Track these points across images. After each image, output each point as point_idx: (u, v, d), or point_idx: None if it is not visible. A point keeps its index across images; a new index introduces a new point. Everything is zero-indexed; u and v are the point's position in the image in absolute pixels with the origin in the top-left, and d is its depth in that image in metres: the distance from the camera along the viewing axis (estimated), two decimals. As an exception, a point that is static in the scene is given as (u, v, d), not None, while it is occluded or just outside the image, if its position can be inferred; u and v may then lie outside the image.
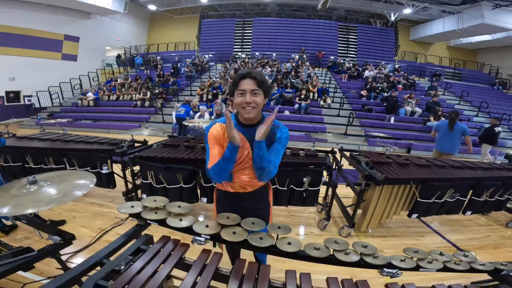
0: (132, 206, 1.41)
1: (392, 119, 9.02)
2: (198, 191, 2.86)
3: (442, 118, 7.52)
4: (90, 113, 10.39)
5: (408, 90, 11.00)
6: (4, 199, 1.32)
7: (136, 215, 1.40)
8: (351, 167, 3.17)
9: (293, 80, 10.62)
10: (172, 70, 12.75)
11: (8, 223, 2.64)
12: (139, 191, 3.11)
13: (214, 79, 10.98)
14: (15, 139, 3.66)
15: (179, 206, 1.42)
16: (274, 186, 2.63)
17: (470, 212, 2.96)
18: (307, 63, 13.44)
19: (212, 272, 1.11)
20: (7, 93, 11.20)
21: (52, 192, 1.40)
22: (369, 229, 2.91)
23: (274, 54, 14.62)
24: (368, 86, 10.65)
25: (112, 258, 1.22)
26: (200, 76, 12.70)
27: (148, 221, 1.40)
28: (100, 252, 1.23)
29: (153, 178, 2.70)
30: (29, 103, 11.65)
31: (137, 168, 2.91)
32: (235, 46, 16.32)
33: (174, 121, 7.21)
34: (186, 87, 11.67)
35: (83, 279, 1.08)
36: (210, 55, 15.33)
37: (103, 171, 3.00)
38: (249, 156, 1.37)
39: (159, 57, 14.80)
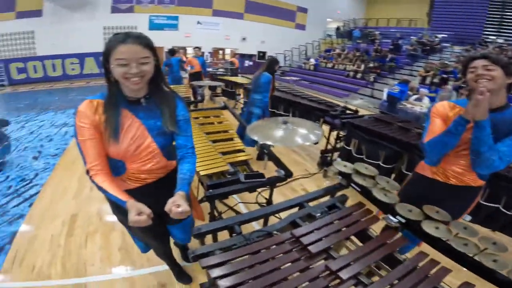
0: (345, 166, 1.53)
1: None
2: (393, 175, 2.70)
3: None
4: (309, 76, 12.04)
5: None
6: (261, 129, 1.62)
7: (344, 175, 1.51)
8: None
9: None
10: (392, 47, 11.72)
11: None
12: (335, 154, 3.39)
13: (448, 62, 9.00)
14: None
15: (387, 182, 1.41)
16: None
17: None
18: None
19: (386, 252, 1.07)
20: (258, 52, 15.00)
21: (281, 133, 1.53)
22: None
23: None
24: None
25: (311, 204, 1.40)
26: (427, 57, 10.83)
27: (351, 185, 1.47)
28: (303, 197, 1.44)
29: (355, 146, 2.82)
30: (269, 61, 15.10)
31: (341, 133, 3.15)
32: (487, 28, 12.19)
33: (384, 97, 6.89)
34: (405, 66, 10.47)
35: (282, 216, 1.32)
36: (444, 35, 12.46)
37: (315, 127, 3.48)
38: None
39: (378, 32, 14.08)
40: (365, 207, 1.38)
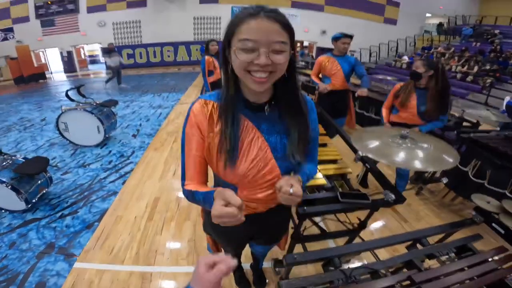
0: (489, 202, 1.20)
1: None
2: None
3: None
4: (400, 75, 10.59)
5: None
6: (369, 138, 1.37)
7: (484, 213, 1.19)
8: None
9: None
10: (517, 48, 9.37)
11: None
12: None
13: None
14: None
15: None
16: None
17: None
18: None
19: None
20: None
21: (402, 155, 1.21)
22: None
23: None
24: None
25: (430, 240, 1.14)
26: None
27: (493, 224, 1.15)
28: (420, 231, 1.17)
29: (474, 168, 2.23)
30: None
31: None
32: None
33: (503, 108, 5.54)
34: (535, 73, 8.23)
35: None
36: None
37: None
38: None
39: (497, 31, 11.49)
40: (508, 252, 1.10)
